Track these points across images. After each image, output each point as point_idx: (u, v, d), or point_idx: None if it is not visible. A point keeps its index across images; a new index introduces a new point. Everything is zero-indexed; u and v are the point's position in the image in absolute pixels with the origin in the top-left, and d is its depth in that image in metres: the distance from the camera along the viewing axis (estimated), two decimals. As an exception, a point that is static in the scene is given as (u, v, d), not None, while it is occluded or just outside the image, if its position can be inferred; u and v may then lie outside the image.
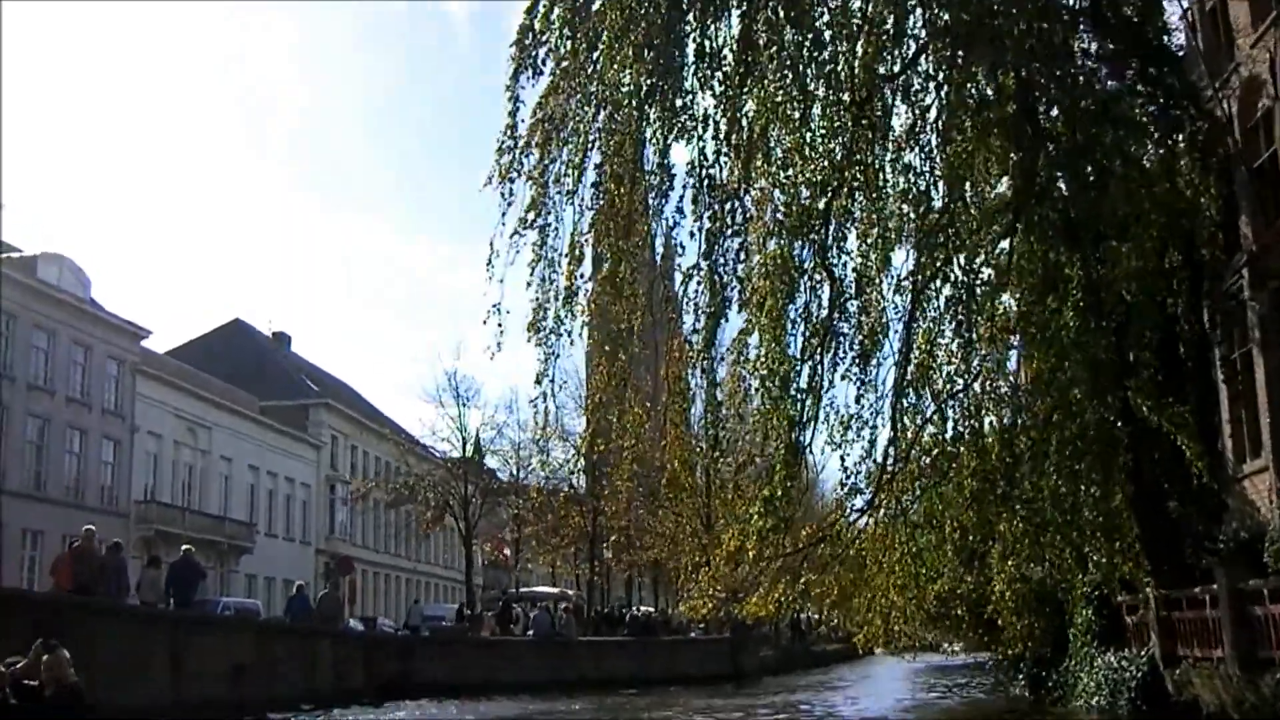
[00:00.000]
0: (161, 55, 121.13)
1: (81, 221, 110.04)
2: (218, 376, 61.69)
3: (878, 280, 19.40)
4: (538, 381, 17.71)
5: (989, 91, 17.18)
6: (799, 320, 18.13)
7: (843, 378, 19.05)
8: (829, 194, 17.76)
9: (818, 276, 18.32)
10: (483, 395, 51.03)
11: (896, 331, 19.12)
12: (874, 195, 18.36)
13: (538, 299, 17.74)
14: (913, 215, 18.28)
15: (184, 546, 30.82)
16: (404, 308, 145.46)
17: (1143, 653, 17.23)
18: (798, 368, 17.76)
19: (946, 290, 18.77)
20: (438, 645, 38.73)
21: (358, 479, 61.50)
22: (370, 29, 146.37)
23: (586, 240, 17.44)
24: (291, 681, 28.18)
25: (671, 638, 48.50)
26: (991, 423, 18.63)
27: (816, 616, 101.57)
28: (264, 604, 53.20)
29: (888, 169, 18.33)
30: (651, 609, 60.82)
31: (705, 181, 17.25)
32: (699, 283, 17.65)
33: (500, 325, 16.69)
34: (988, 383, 18.65)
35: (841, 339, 18.39)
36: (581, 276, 17.75)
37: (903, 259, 19.58)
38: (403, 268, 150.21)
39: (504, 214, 16.45)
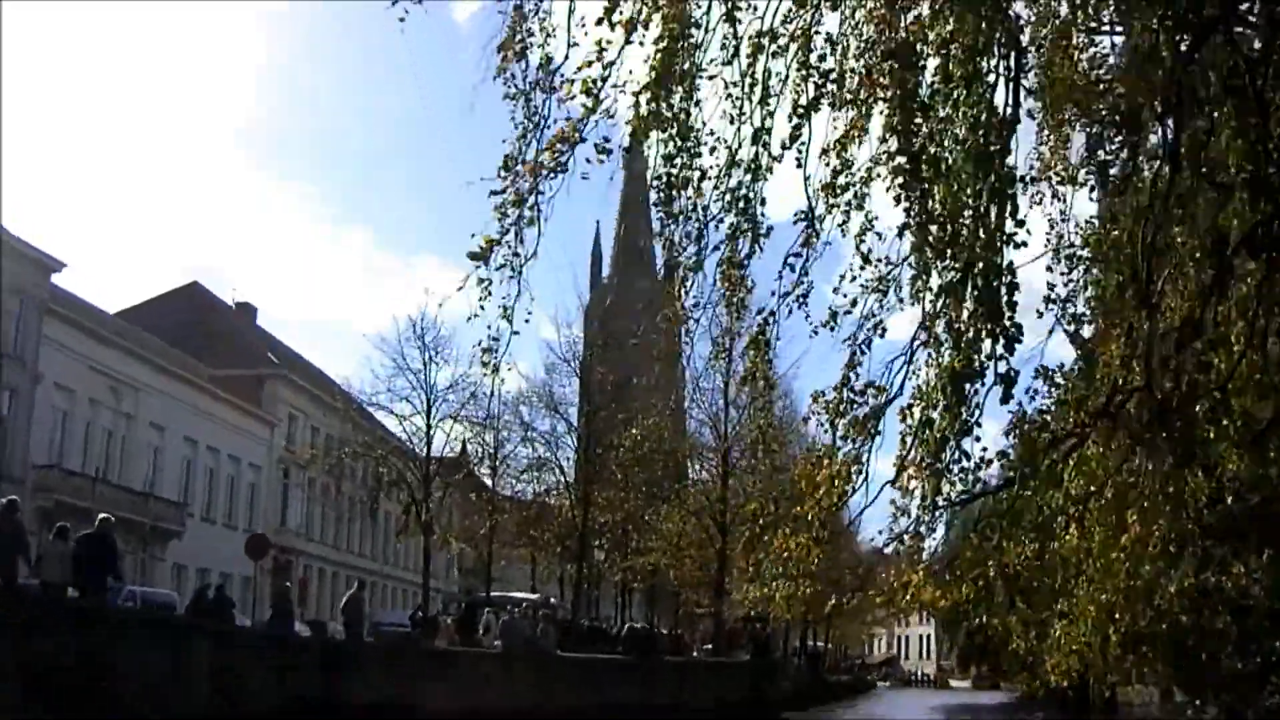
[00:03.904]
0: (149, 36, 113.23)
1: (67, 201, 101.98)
2: (166, 340, 53.49)
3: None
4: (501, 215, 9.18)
5: None
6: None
7: (1079, 183, 10.60)
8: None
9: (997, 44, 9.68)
10: (456, 349, 40.41)
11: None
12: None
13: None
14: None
15: (101, 515, 22.56)
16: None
17: None
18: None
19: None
20: (377, 655, 29.93)
21: (317, 459, 52.14)
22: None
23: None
24: (136, 696, 19.40)
25: (679, 659, 39.36)
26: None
27: (826, 644, 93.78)
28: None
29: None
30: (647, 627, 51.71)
31: None
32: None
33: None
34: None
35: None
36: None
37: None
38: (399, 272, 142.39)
39: None
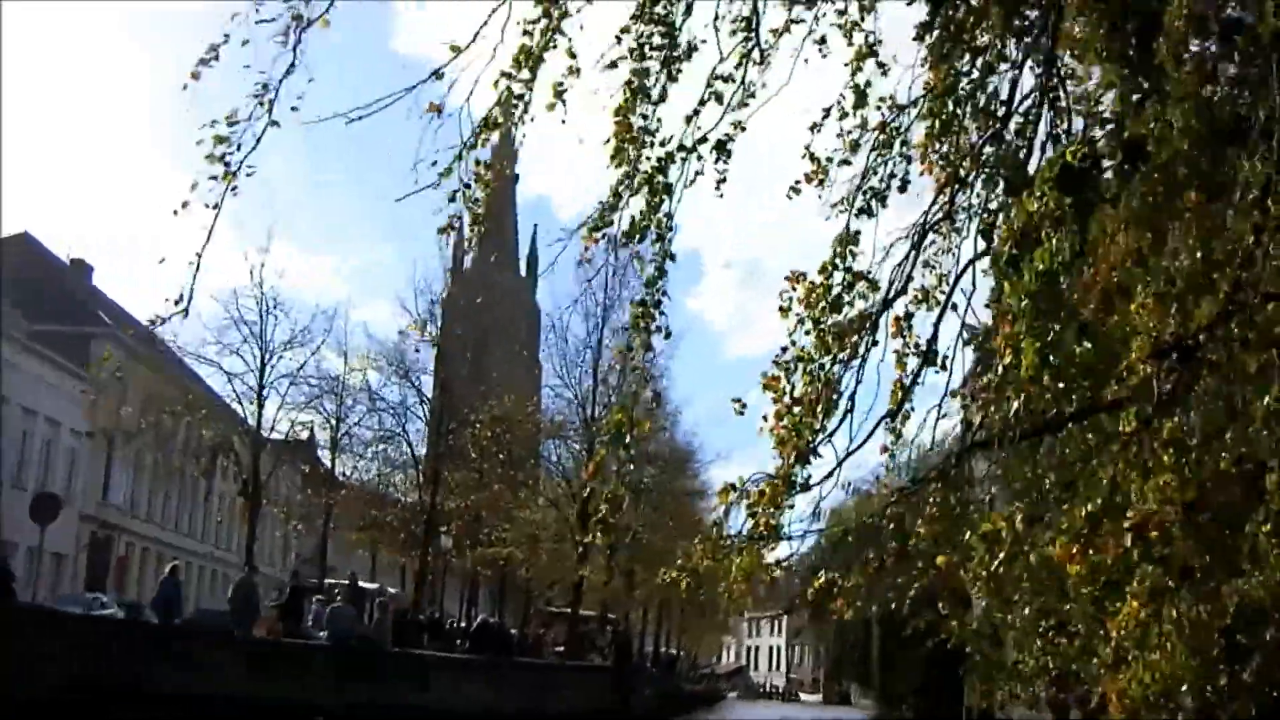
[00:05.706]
0: None
1: None
2: (-11, 292, 48.16)
3: None
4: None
5: None
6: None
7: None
8: None
9: None
10: (296, 312, 37.10)
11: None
12: None
13: None
14: None
15: None
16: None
17: None
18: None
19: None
20: (176, 643, 26.28)
21: (141, 425, 47.41)
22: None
23: None
24: None
25: (537, 661, 35.82)
26: None
27: (679, 651, 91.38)
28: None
29: None
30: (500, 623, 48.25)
31: None
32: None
33: None
34: None
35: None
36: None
37: None
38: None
39: None
